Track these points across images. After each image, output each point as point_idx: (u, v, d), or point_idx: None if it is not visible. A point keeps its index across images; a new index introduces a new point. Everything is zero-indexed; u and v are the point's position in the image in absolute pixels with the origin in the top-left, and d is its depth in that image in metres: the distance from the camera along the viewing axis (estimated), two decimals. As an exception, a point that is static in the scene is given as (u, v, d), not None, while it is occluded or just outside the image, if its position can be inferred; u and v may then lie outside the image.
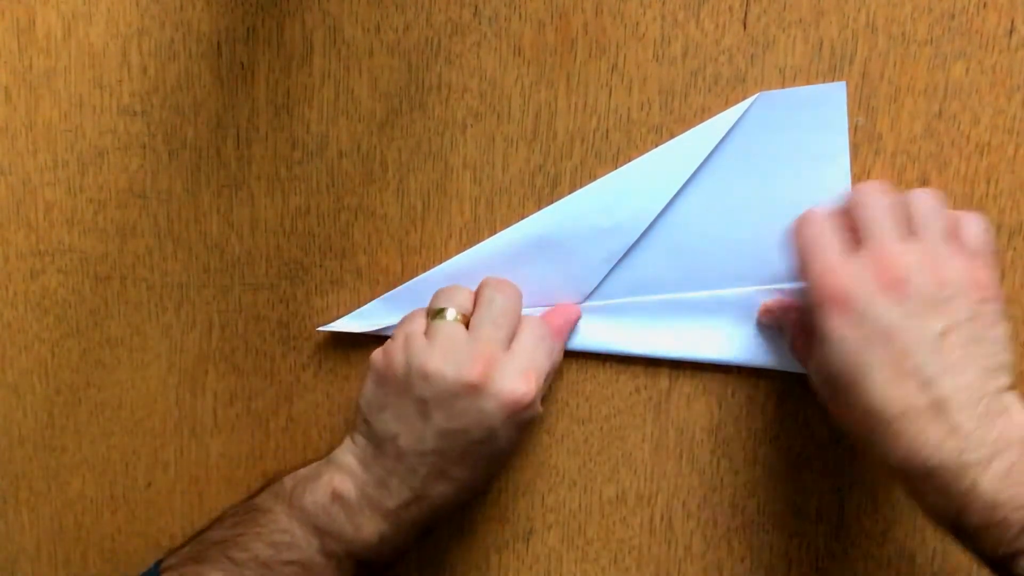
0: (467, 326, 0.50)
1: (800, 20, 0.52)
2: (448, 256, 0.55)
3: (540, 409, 0.51)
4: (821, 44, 0.52)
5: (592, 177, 0.54)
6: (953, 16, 0.52)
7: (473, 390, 0.48)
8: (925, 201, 0.47)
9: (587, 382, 0.56)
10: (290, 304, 0.56)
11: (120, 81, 0.53)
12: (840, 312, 0.44)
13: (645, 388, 0.56)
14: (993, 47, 0.52)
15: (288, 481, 0.52)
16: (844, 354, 0.44)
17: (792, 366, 0.54)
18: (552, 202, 0.54)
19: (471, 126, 0.54)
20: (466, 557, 0.58)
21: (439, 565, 0.58)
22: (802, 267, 0.47)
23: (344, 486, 0.50)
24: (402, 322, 0.52)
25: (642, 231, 0.54)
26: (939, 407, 0.43)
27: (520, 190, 0.54)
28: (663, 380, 0.56)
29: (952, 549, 0.56)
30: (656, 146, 0.53)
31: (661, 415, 0.56)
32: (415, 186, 0.54)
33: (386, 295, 0.55)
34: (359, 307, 0.56)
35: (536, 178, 0.54)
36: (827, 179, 0.53)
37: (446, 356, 0.48)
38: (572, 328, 0.55)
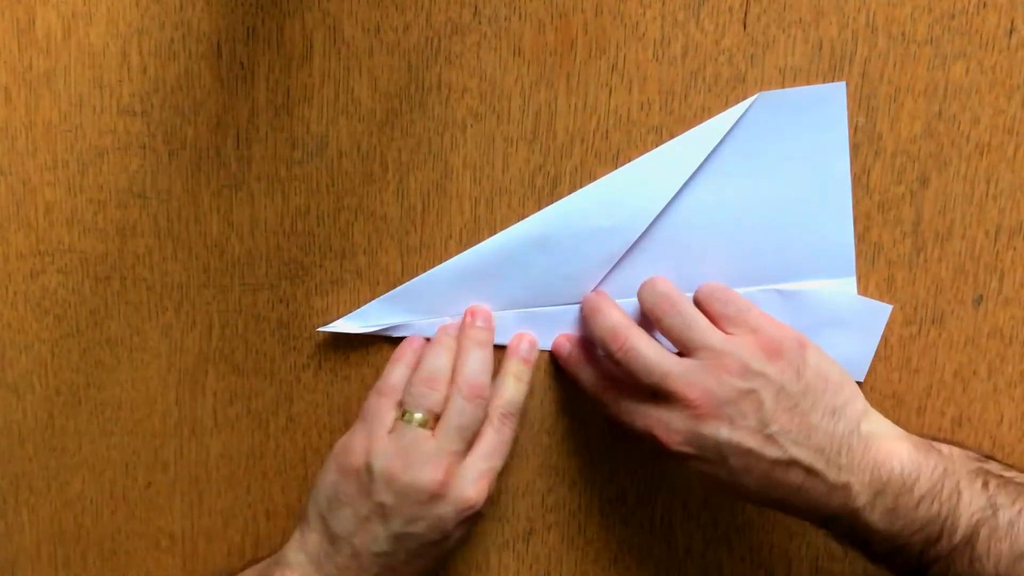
0: (435, 425, 0.51)
1: (800, 20, 0.52)
2: (448, 256, 0.55)
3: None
4: (821, 44, 0.52)
5: (592, 177, 0.54)
6: (953, 16, 0.52)
7: (433, 498, 0.50)
8: (673, 317, 0.50)
9: (587, 382, 0.56)
10: (290, 304, 0.56)
11: (120, 81, 0.53)
12: (684, 456, 0.48)
13: (645, 388, 0.56)
14: (993, 47, 0.52)
15: None
16: (711, 479, 0.49)
17: None
18: (552, 202, 0.54)
19: (471, 126, 0.54)
20: (466, 557, 0.58)
21: (439, 565, 0.59)
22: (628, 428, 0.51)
23: None
24: (369, 409, 0.52)
25: (642, 231, 0.54)
26: (810, 476, 0.47)
27: (520, 190, 0.54)
28: (663, 380, 0.56)
29: (952, 549, 0.56)
30: (656, 146, 0.53)
31: (661, 415, 0.56)
32: (415, 186, 0.54)
33: (386, 295, 0.55)
34: (359, 307, 0.56)
35: (536, 178, 0.54)
36: (827, 179, 0.53)
37: (410, 464, 0.50)
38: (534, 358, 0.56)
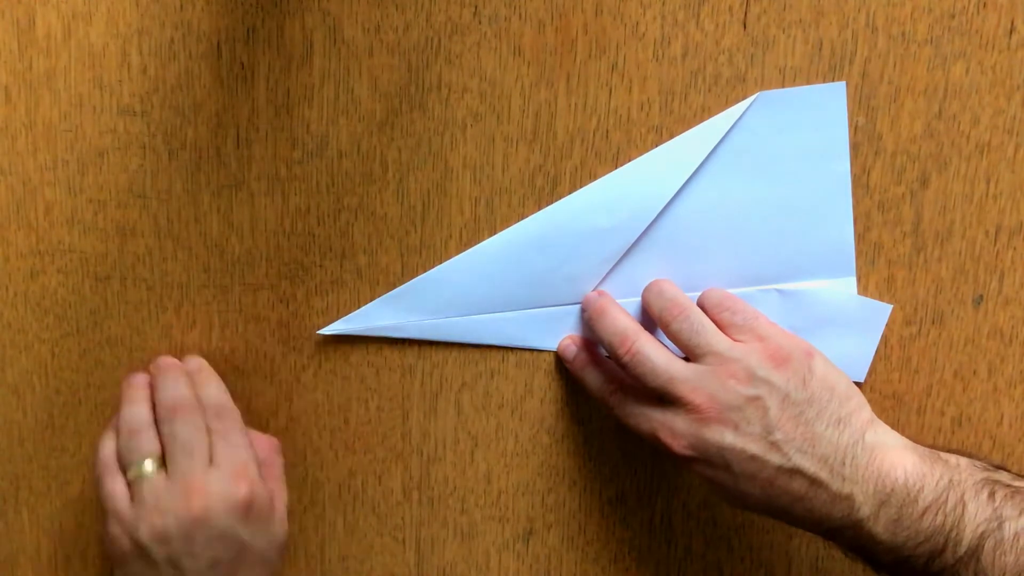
0: (165, 463, 0.50)
1: (800, 20, 0.52)
2: (448, 256, 0.55)
3: (276, 492, 0.52)
4: (821, 44, 0.52)
5: (592, 177, 0.54)
6: (953, 16, 0.52)
7: (200, 523, 0.48)
8: (682, 323, 0.50)
9: (587, 382, 0.56)
10: (290, 304, 0.56)
11: (120, 81, 0.53)
12: (689, 460, 0.48)
13: (645, 388, 0.56)
14: (993, 47, 0.52)
15: None
16: (717, 485, 0.49)
17: None
18: (552, 202, 0.54)
19: (471, 126, 0.54)
20: (466, 557, 0.58)
21: (439, 565, 0.59)
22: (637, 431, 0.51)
23: None
24: (101, 487, 0.51)
25: (642, 231, 0.54)
26: (813, 486, 0.47)
27: (520, 190, 0.54)
28: (663, 380, 0.56)
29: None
30: (656, 146, 0.53)
31: (661, 415, 0.56)
32: (415, 186, 0.54)
33: (386, 295, 0.55)
34: (359, 307, 0.56)
35: (536, 178, 0.54)
36: (827, 179, 0.53)
37: (164, 511, 0.49)
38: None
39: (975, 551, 0.45)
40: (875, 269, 0.54)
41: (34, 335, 0.57)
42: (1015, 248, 0.54)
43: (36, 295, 0.56)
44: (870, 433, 0.47)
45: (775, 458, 0.47)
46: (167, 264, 0.56)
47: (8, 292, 0.56)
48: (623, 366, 0.50)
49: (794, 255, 0.54)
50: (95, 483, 0.52)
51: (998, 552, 0.44)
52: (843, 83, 0.52)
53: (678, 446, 0.48)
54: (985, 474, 0.46)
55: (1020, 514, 0.45)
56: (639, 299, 0.54)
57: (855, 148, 0.53)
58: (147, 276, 0.56)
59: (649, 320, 0.52)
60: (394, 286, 0.55)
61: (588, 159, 0.54)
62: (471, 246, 0.55)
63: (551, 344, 0.56)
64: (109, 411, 0.57)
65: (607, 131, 0.53)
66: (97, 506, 0.53)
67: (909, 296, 0.55)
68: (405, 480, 0.58)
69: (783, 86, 0.52)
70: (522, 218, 0.54)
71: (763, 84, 0.52)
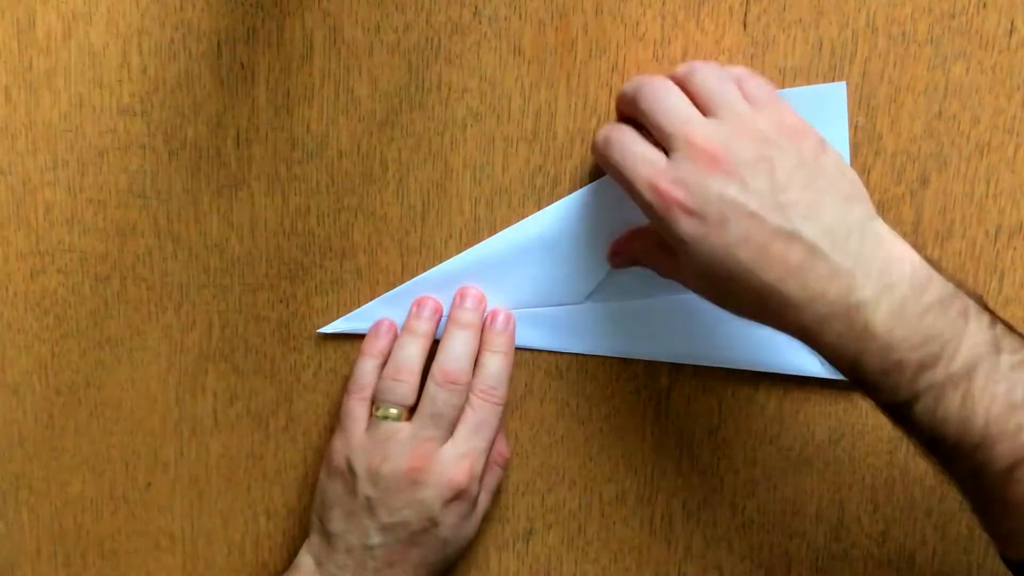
0: (409, 416, 0.52)
1: (800, 20, 0.52)
2: (448, 256, 0.55)
3: (481, 498, 0.54)
4: (821, 44, 0.52)
5: (592, 177, 0.54)
6: (953, 16, 0.52)
7: (412, 484, 0.51)
8: (708, 77, 0.46)
9: (587, 382, 0.56)
10: (290, 304, 0.56)
11: (120, 81, 0.53)
12: (682, 214, 0.44)
13: (645, 388, 0.56)
14: (993, 47, 0.52)
15: None
16: (704, 250, 0.44)
17: (793, 367, 0.54)
18: (552, 202, 0.54)
19: (471, 126, 0.54)
20: (466, 557, 0.58)
21: (439, 565, 0.59)
22: (627, 188, 0.47)
23: None
24: (344, 410, 0.54)
25: (642, 231, 0.53)
26: (811, 256, 0.42)
27: (520, 190, 0.54)
28: (663, 380, 0.56)
29: (952, 549, 0.56)
30: (656, 146, 0.53)
31: (661, 415, 0.56)
32: (415, 186, 0.54)
33: (386, 295, 0.55)
34: (359, 307, 0.56)
35: (536, 178, 0.54)
36: None
37: (387, 456, 0.51)
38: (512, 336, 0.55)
39: (969, 371, 0.41)
40: (875, 269, 0.54)
41: (34, 335, 0.57)
42: (1015, 248, 0.54)
43: (36, 295, 0.56)
44: (879, 223, 0.44)
45: (775, 218, 0.42)
46: (167, 264, 0.56)
47: (8, 292, 0.56)
48: (635, 102, 0.47)
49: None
50: (343, 391, 0.54)
51: (991, 379, 0.41)
52: (843, 83, 0.52)
53: (676, 194, 0.44)
54: (988, 313, 0.43)
55: (1015, 350, 0.42)
56: (640, 300, 0.54)
57: (855, 148, 0.53)
58: (147, 276, 0.56)
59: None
60: (394, 286, 0.55)
61: (588, 159, 0.54)
62: (471, 246, 0.55)
63: (551, 344, 0.56)
64: (109, 411, 0.58)
65: (607, 131, 0.53)
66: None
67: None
68: (405, 480, 0.58)
69: (783, 86, 0.52)
70: (522, 218, 0.54)
71: (763, 84, 0.52)
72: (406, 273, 0.55)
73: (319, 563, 0.53)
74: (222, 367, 0.57)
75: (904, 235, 0.54)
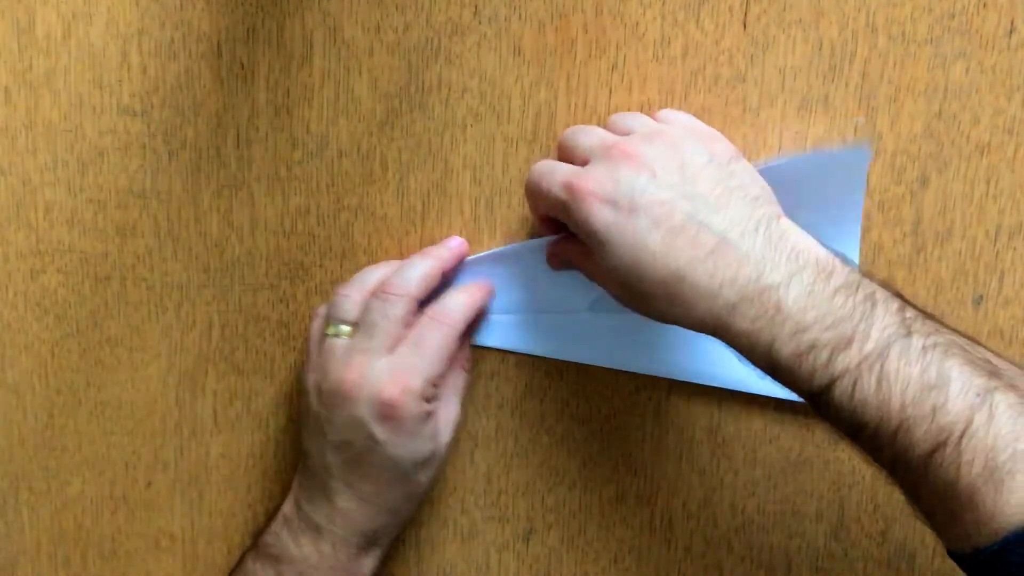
0: None
1: (800, 20, 0.52)
2: (448, 256, 0.55)
3: (445, 408, 0.53)
4: (821, 44, 0.52)
5: (592, 177, 0.54)
6: (953, 16, 0.52)
7: (345, 399, 0.50)
8: (624, 116, 0.50)
9: (587, 382, 0.56)
10: (290, 304, 0.56)
11: (120, 81, 0.53)
12: (594, 202, 0.45)
13: (645, 388, 0.56)
14: (993, 47, 0.52)
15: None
16: (616, 239, 0.44)
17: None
18: (552, 202, 0.54)
19: (471, 126, 0.54)
20: (466, 557, 0.58)
21: (439, 565, 0.58)
22: (546, 200, 0.48)
23: (287, 507, 0.53)
24: (310, 325, 0.54)
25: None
26: (720, 243, 0.43)
27: (520, 190, 0.54)
28: (663, 380, 0.56)
29: (952, 549, 0.56)
30: (656, 146, 0.53)
31: (661, 415, 0.56)
32: (415, 186, 0.54)
33: (386, 295, 0.55)
34: (359, 307, 0.56)
35: (536, 178, 0.54)
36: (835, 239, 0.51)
37: (326, 371, 0.51)
38: (479, 306, 0.54)
39: (882, 353, 0.41)
40: (875, 269, 0.54)
41: (34, 335, 0.57)
42: (1015, 248, 0.54)
43: (36, 295, 0.56)
44: (786, 221, 0.45)
45: (685, 206, 0.44)
46: (167, 264, 0.56)
47: (8, 292, 0.56)
48: (560, 144, 0.50)
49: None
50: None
51: (903, 361, 0.41)
52: (868, 148, 0.52)
53: (588, 185, 0.45)
54: (899, 299, 0.44)
55: (928, 334, 0.42)
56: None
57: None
58: (147, 276, 0.56)
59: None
60: (394, 286, 0.55)
61: (588, 159, 0.54)
62: (470, 246, 0.55)
63: (551, 350, 0.55)
64: (109, 411, 0.58)
65: (607, 131, 0.53)
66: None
67: (909, 296, 0.54)
68: (405, 480, 0.58)
69: (783, 86, 0.52)
70: (522, 218, 0.54)
71: (763, 84, 0.52)
72: (406, 273, 0.55)
73: (299, 483, 0.53)
74: (222, 367, 0.57)
75: (904, 235, 0.54)
